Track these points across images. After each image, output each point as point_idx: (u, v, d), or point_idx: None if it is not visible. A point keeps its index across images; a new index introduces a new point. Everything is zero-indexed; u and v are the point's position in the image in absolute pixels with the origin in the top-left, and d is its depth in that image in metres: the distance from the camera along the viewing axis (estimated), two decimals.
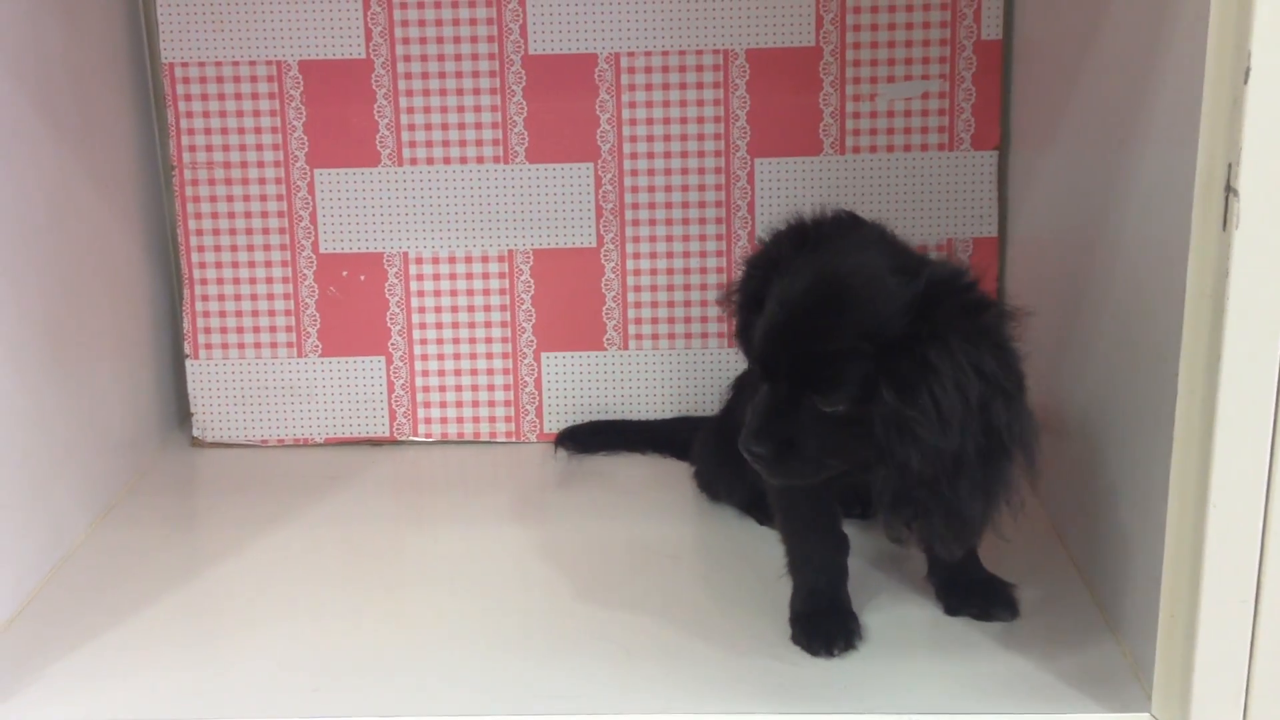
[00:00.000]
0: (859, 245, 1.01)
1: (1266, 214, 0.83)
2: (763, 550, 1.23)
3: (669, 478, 1.43)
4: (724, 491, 1.34)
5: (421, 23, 1.46)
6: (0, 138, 1.17)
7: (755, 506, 1.30)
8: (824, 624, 1.08)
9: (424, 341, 1.53)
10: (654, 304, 1.52)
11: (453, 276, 1.51)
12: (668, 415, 1.53)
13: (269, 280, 1.52)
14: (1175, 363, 0.90)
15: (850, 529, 1.15)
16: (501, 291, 1.52)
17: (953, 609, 1.12)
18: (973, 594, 1.12)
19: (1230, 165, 0.84)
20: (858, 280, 0.96)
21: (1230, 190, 0.84)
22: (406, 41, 1.46)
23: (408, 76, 1.47)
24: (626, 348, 1.53)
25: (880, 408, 0.93)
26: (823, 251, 1.00)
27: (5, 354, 1.16)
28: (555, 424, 1.54)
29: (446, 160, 1.49)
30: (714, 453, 1.34)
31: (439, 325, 1.53)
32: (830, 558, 1.12)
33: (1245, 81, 0.82)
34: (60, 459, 1.27)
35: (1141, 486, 1.00)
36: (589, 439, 1.50)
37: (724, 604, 1.16)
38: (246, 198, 1.50)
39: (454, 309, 1.52)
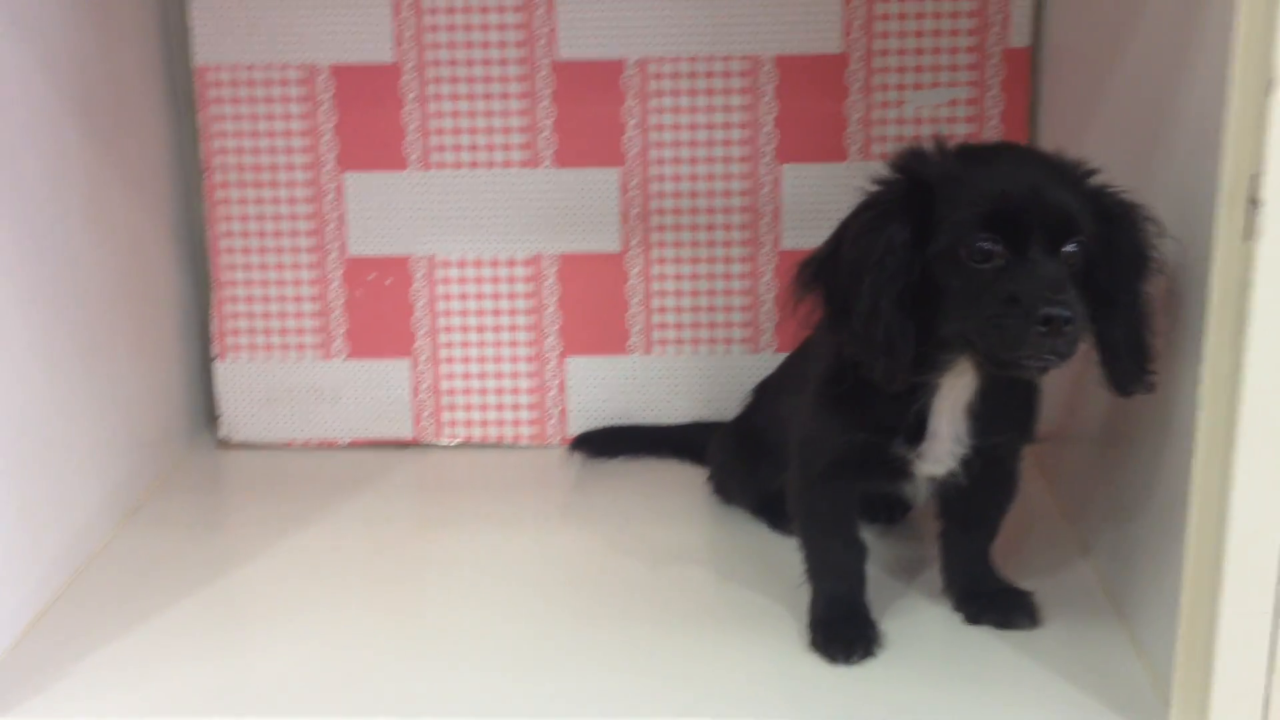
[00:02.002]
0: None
1: None
2: (780, 556, 1.24)
3: (687, 482, 1.43)
4: (737, 494, 1.35)
5: (450, 27, 1.47)
6: (36, 139, 1.18)
7: (768, 510, 1.31)
8: (843, 631, 1.08)
9: (449, 345, 1.54)
10: (678, 309, 1.52)
11: (479, 280, 1.52)
12: (691, 420, 1.53)
13: (296, 282, 1.53)
14: (1197, 372, 0.90)
15: (868, 535, 1.15)
16: (527, 295, 1.52)
17: (972, 618, 1.12)
18: (992, 603, 1.12)
19: (1254, 177, 0.84)
20: (1049, 159, 1.00)
21: (1253, 201, 0.84)
22: (435, 46, 1.47)
23: (436, 81, 1.48)
24: (650, 352, 1.54)
25: (1117, 258, 0.97)
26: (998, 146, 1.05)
27: (35, 353, 1.18)
28: (579, 428, 1.54)
29: (474, 165, 1.50)
30: (730, 455, 1.34)
31: (464, 329, 1.53)
32: (850, 564, 1.12)
33: (1269, 93, 0.82)
34: (87, 458, 1.29)
35: (1163, 497, 1.00)
36: (605, 443, 1.51)
37: (742, 609, 1.16)
38: (275, 200, 1.51)
39: (479, 312, 1.53)
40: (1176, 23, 0.99)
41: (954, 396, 1.03)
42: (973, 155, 0.99)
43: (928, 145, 1.01)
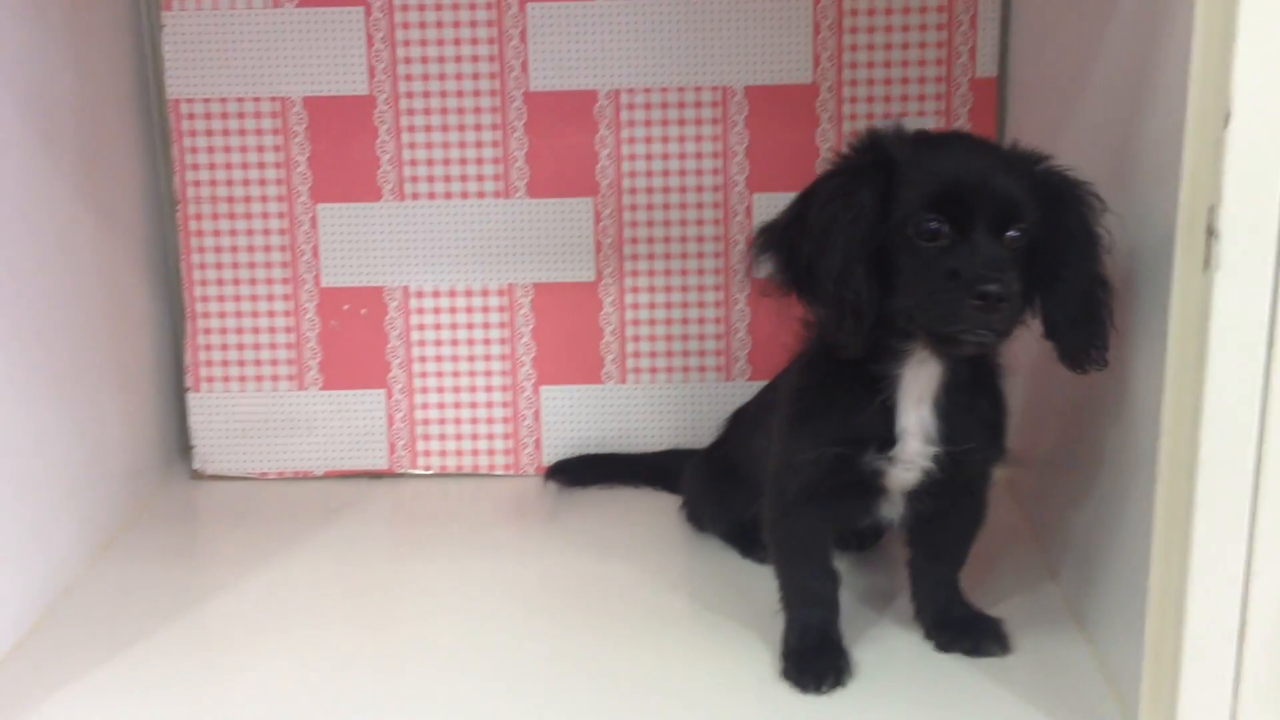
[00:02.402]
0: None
1: (1246, 256, 0.84)
2: (752, 583, 1.24)
3: (660, 510, 1.44)
4: (710, 521, 1.35)
5: (424, 59, 1.48)
6: (6, 172, 1.19)
7: (739, 538, 1.32)
8: (814, 660, 1.08)
9: (424, 375, 1.54)
10: (652, 338, 1.53)
11: (453, 310, 1.53)
12: (666, 448, 1.54)
13: (271, 314, 1.53)
14: (1159, 398, 0.91)
15: (841, 564, 1.16)
16: (501, 325, 1.53)
17: (944, 645, 1.13)
18: (963, 630, 1.13)
19: (1212, 208, 0.85)
20: (1000, 147, 1.04)
21: (1211, 232, 0.85)
22: (409, 78, 1.48)
23: (410, 113, 1.49)
24: (625, 381, 1.54)
25: (1063, 237, 1.00)
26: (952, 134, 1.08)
27: (8, 385, 1.18)
28: (554, 457, 1.55)
29: (448, 195, 1.50)
30: (703, 483, 1.35)
31: (439, 359, 1.54)
32: (824, 592, 1.12)
33: (1226, 125, 0.83)
34: (61, 491, 1.29)
35: (1128, 522, 1.01)
36: (580, 472, 1.51)
37: (716, 637, 1.16)
38: (250, 232, 1.52)
39: (454, 342, 1.54)
40: (1136, 55, 1.00)
41: (918, 388, 1.04)
42: (928, 140, 1.03)
43: (887, 128, 1.04)
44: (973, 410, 1.06)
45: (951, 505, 1.10)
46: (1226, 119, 0.83)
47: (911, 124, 1.44)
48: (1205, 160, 0.85)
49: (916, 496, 1.08)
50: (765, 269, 1.06)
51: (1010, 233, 0.98)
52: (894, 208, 0.99)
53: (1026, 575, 1.25)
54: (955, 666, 1.10)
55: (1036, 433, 1.31)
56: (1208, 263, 0.85)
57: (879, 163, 1.01)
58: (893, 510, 1.10)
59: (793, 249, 1.03)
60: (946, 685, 1.08)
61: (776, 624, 1.13)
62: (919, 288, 0.98)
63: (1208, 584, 0.89)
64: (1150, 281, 0.96)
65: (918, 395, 1.05)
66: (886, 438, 1.05)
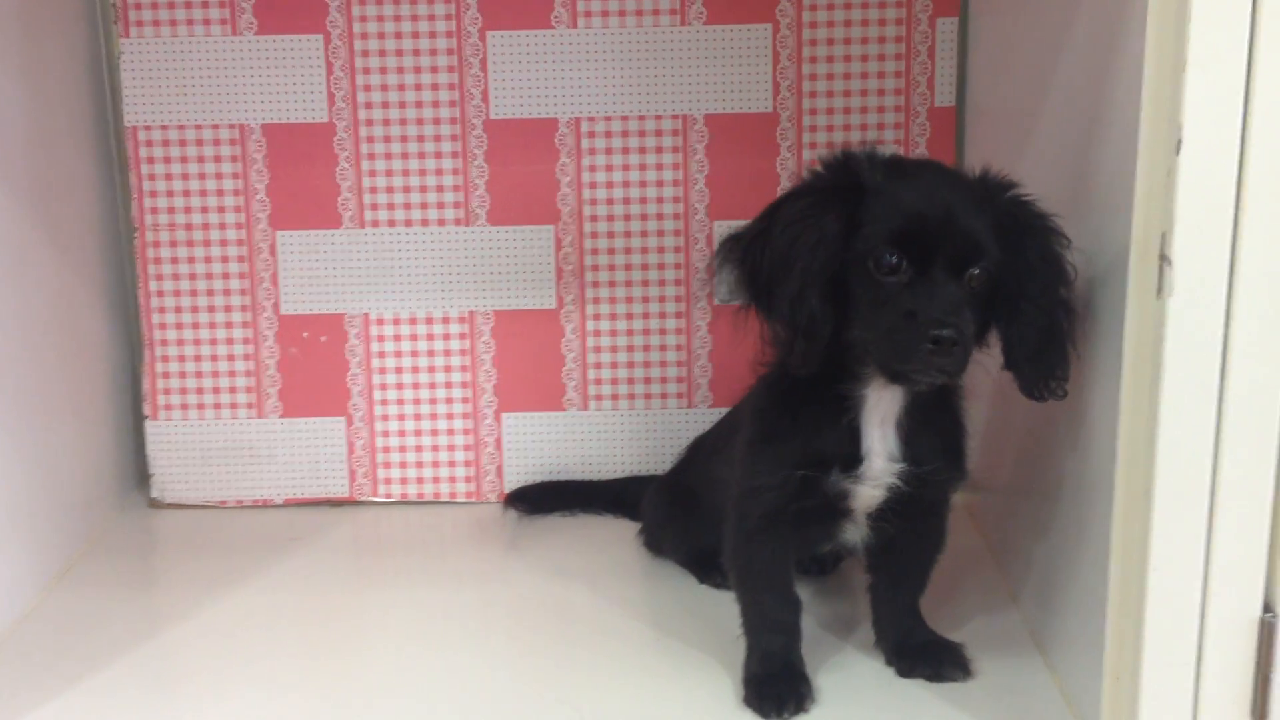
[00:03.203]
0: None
1: (1199, 282, 0.85)
2: (712, 609, 1.24)
3: (619, 536, 1.43)
4: (669, 547, 1.35)
5: (384, 87, 1.48)
6: None
7: (697, 563, 1.32)
8: (776, 686, 1.08)
9: (385, 402, 1.54)
10: (614, 365, 1.53)
11: (414, 338, 1.52)
12: (625, 475, 1.54)
13: (229, 341, 1.52)
14: (1115, 425, 0.92)
15: (802, 590, 1.16)
16: (462, 352, 1.53)
17: (905, 671, 1.13)
18: (924, 656, 1.13)
19: (1164, 234, 0.86)
20: (966, 180, 1.04)
21: (1164, 259, 0.86)
22: (369, 106, 1.48)
23: (370, 140, 1.49)
24: (586, 408, 1.54)
25: (1025, 269, 1.00)
26: (923, 165, 1.08)
27: None
28: (515, 484, 1.54)
29: (408, 223, 1.50)
30: (663, 510, 1.35)
31: (399, 386, 1.53)
32: (785, 618, 1.12)
33: (1177, 153, 0.85)
34: (15, 519, 1.27)
35: (1087, 547, 1.02)
36: (539, 499, 1.51)
37: (676, 664, 1.16)
38: (208, 259, 1.51)
39: (415, 370, 1.53)
40: (1090, 84, 1.02)
41: (881, 409, 1.05)
42: (898, 169, 1.03)
43: (861, 152, 1.04)
44: (935, 431, 1.07)
45: (912, 529, 1.10)
46: (1178, 146, 0.84)
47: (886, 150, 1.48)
48: (1157, 187, 0.87)
49: (879, 519, 1.09)
50: (726, 281, 1.06)
51: (971, 271, 0.98)
52: (857, 237, 0.99)
53: (987, 600, 1.26)
54: (917, 692, 1.11)
55: (997, 458, 1.32)
56: (1160, 289, 0.86)
57: (848, 188, 1.01)
58: (855, 534, 1.10)
59: (755, 265, 1.03)
60: (908, 711, 1.08)
61: (737, 649, 1.13)
62: (875, 322, 0.98)
63: (1165, 607, 0.90)
64: (1105, 308, 0.97)
65: (881, 416, 1.05)
66: (852, 457, 1.05)
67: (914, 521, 1.09)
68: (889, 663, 1.14)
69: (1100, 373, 0.99)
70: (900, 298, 0.97)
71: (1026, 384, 1.03)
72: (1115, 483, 0.92)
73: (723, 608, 1.22)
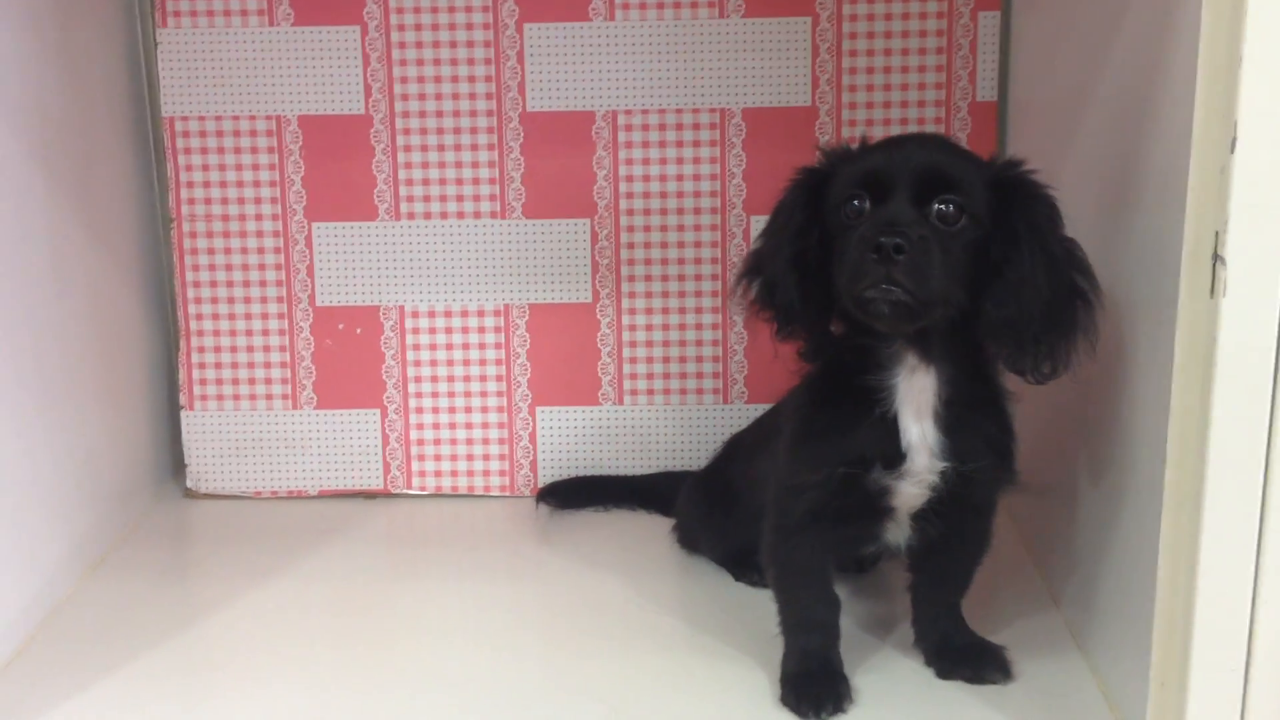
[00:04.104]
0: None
1: (1253, 281, 0.84)
2: (748, 607, 1.24)
3: (653, 533, 1.43)
4: (705, 544, 1.35)
5: (420, 79, 1.47)
6: (0, 191, 1.18)
7: (733, 561, 1.31)
8: (814, 685, 1.07)
9: (419, 395, 1.53)
10: (649, 359, 1.52)
11: (449, 330, 1.52)
12: (661, 470, 1.53)
13: (265, 332, 1.52)
14: (1164, 426, 0.90)
15: (841, 589, 1.15)
16: (497, 346, 1.52)
17: (944, 672, 1.12)
18: (964, 657, 1.12)
19: (1218, 233, 0.84)
20: (957, 145, 1.05)
21: (1218, 258, 0.85)
22: (405, 98, 1.47)
23: (406, 132, 1.48)
24: (621, 403, 1.53)
25: (1009, 236, 0.99)
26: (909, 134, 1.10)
27: (0, 402, 1.17)
28: (549, 478, 1.54)
29: (444, 215, 1.50)
30: (699, 506, 1.34)
31: (434, 379, 1.53)
32: (824, 617, 1.11)
33: (1232, 150, 0.83)
34: (52, 508, 1.27)
35: (1133, 549, 1.00)
36: (571, 494, 1.50)
37: (712, 662, 1.15)
38: (244, 250, 1.51)
39: (449, 363, 1.53)
40: (1140, 80, 1.00)
41: (914, 399, 1.04)
42: (880, 142, 1.05)
43: (834, 144, 1.08)
44: (979, 430, 1.06)
45: (956, 530, 1.09)
46: (1233, 144, 0.83)
47: None
48: (1211, 185, 0.85)
49: (922, 519, 1.07)
50: (747, 293, 1.10)
51: (937, 204, 0.98)
52: (827, 205, 1.02)
53: (1027, 602, 1.24)
54: (956, 694, 1.10)
55: (1037, 458, 1.30)
56: (1214, 289, 0.85)
57: (815, 171, 1.05)
58: (898, 534, 1.09)
59: (747, 266, 1.10)
60: (948, 713, 1.07)
61: (773, 648, 1.12)
62: (843, 261, 1.00)
63: (1214, 611, 0.88)
64: (1155, 307, 0.96)
65: (916, 407, 1.04)
66: (893, 454, 1.04)
67: (958, 522, 1.08)
68: (928, 663, 1.13)
69: (1148, 372, 0.97)
70: (861, 231, 0.98)
71: (1009, 360, 1.02)
72: (1165, 484, 0.90)
73: (758, 606, 1.21)
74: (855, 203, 1.00)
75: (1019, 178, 1.02)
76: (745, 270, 1.10)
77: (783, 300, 1.05)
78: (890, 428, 1.04)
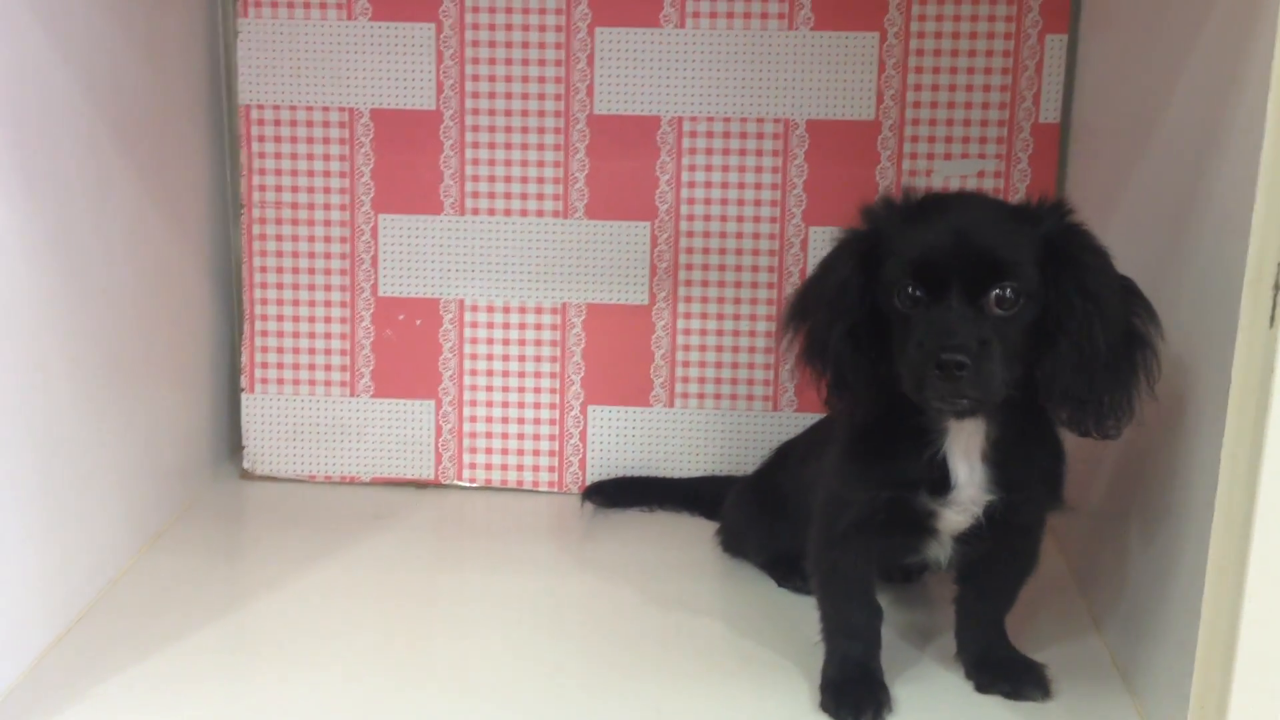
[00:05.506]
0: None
1: None
2: (790, 612, 1.24)
3: (697, 535, 1.44)
4: (751, 548, 1.36)
5: (492, 78, 1.50)
6: (82, 169, 1.21)
7: (778, 566, 1.32)
8: (854, 693, 1.08)
9: (474, 388, 1.56)
10: (702, 364, 1.54)
11: (506, 326, 1.54)
12: (702, 474, 1.54)
13: (327, 320, 1.55)
14: (1217, 454, 0.91)
15: (883, 598, 1.16)
16: (553, 343, 1.54)
17: (983, 686, 1.12)
18: (1004, 672, 1.12)
19: None
20: (1001, 206, 1.03)
21: (1279, 288, 0.85)
22: (476, 95, 1.50)
23: (475, 129, 1.50)
24: (672, 405, 1.55)
25: (1059, 296, 0.98)
26: (953, 195, 1.06)
27: (68, 379, 1.20)
28: (597, 476, 1.55)
29: (507, 212, 1.52)
30: (746, 511, 1.35)
31: (489, 373, 1.55)
32: (866, 625, 1.12)
33: None
34: (113, 483, 1.31)
35: (1179, 576, 1.01)
36: (616, 494, 1.52)
37: (752, 665, 1.16)
38: (311, 239, 1.54)
39: (505, 358, 1.55)
40: (1209, 105, 1.01)
41: (965, 441, 1.04)
42: (926, 204, 1.03)
43: (882, 198, 1.05)
44: (1029, 460, 1.06)
45: (1002, 549, 1.10)
46: None
47: (973, 166, 1.47)
48: (1276, 213, 0.85)
49: (966, 540, 1.08)
50: (794, 344, 1.09)
51: (995, 292, 0.97)
52: (879, 278, 1.01)
53: (1068, 624, 1.25)
54: (995, 709, 1.10)
55: (1086, 483, 1.30)
56: (1274, 319, 0.85)
57: (865, 235, 1.03)
58: (941, 552, 1.10)
59: (791, 319, 1.08)
60: None
61: (814, 655, 1.13)
62: (901, 356, 0.99)
63: (1259, 638, 0.89)
64: (1212, 335, 0.96)
65: (965, 449, 1.05)
66: (940, 483, 1.05)
67: (1005, 541, 1.09)
68: (968, 676, 1.14)
69: (1204, 400, 0.98)
70: (918, 327, 0.97)
71: (1071, 422, 1.01)
72: (1214, 511, 0.91)
73: (800, 612, 1.22)
74: (909, 291, 0.98)
75: (1068, 235, 1.01)
76: (791, 316, 1.09)
77: (835, 373, 1.04)
78: (939, 464, 1.05)
